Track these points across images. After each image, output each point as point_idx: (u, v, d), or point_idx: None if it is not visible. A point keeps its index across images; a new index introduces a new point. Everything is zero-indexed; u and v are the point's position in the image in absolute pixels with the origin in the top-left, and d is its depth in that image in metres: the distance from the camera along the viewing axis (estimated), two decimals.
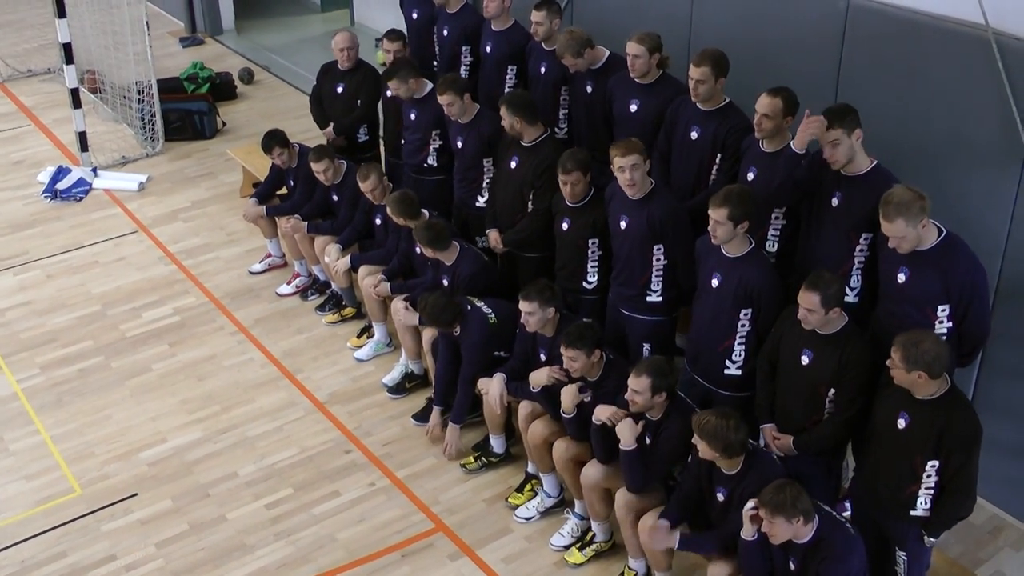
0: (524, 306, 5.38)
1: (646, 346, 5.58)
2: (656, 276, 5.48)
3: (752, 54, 6.07)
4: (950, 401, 4.27)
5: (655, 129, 5.95)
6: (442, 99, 6.45)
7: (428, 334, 6.24)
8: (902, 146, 5.41)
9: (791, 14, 5.98)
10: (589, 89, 6.37)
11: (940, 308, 4.55)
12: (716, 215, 4.83)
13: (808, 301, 4.53)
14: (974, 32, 5.10)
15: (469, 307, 5.84)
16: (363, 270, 6.88)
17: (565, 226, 5.83)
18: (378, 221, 6.91)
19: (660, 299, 5.52)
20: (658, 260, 5.46)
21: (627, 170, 5.25)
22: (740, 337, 5.02)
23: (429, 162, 6.97)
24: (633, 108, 6.06)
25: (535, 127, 6.11)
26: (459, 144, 6.60)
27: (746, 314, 4.95)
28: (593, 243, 5.75)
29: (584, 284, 5.87)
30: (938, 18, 5.27)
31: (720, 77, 5.49)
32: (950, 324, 4.57)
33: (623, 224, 5.44)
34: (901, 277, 4.58)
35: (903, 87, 5.47)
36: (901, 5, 5.45)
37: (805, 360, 4.68)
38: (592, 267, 5.81)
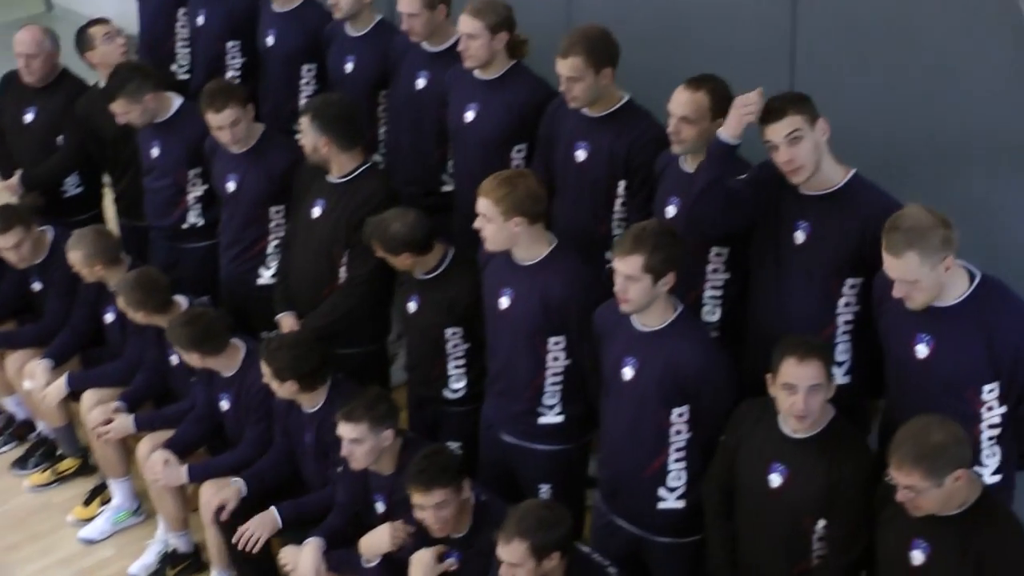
0: (346, 430, 5.44)
1: (543, 488, 5.60)
2: (553, 383, 5.51)
3: (660, 28, 6.18)
4: (987, 513, 4.35)
5: (500, 150, 6.02)
6: (218, 118, 6.43)
7: (209, 495, 6.06)
8: (892, 146, 5.52)
9: None
10: (421, 83, 6.42)
11: (987, 389, 4.58)
12: (624, 267, 4.90)
13: (809, 375, 4.59)
14: None
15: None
16: (89, 396, 6.77)
17: (412, 307, 5.91)
18: (110, 317, 6.85)
19: (561, 418, 5.56)
20: (556, 359, 5.48)
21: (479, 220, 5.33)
22: (676, 451, 5.06)
23: (190, 220, 6.99)
24: (469, 116, 6.12)
25: (351, 153, 6.12)
26: (231, 187, 6.59)
27: (681, 415, 5.01)
28: (454, 333, 5.82)
29: (446, 392, 5.92)
30: None
31: (603, 67, 5.56)
32: (1003, 409, 4.62)
33: (503, 303, 5.48)
34: (922, 349, 4.64)
35: (889, 64, 5.57)
36: None
37: (776, 480, 4.75)
38: (456, 367, 5.88)
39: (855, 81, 5.56)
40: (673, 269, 4.89)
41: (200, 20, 7.45)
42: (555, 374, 5.47)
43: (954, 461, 4.24)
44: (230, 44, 7.36)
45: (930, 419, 4.33)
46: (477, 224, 5.34)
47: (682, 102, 5.18)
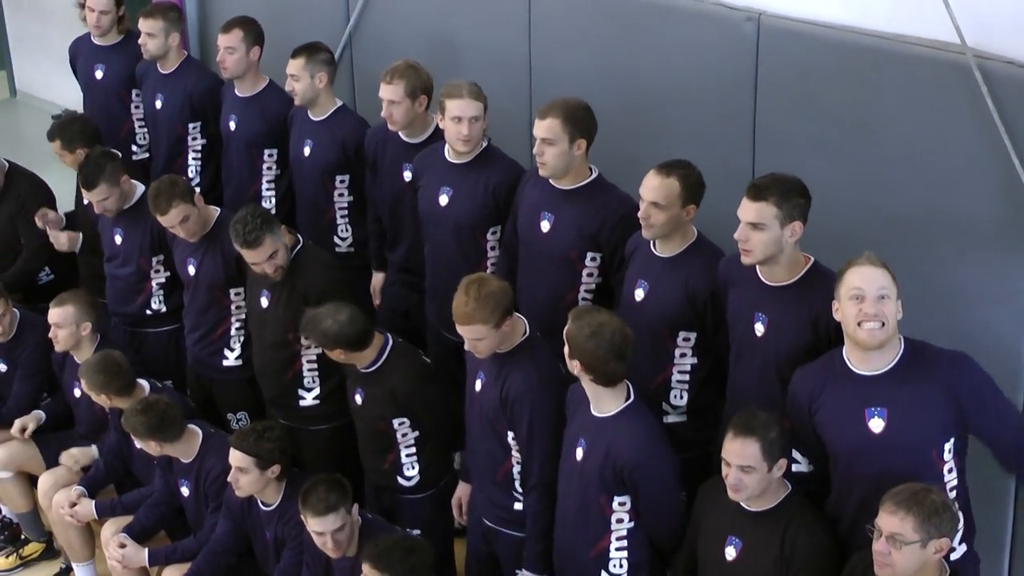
0: (312, 523, 5.38)
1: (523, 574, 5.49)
2: (519, 472, 5.39)
3: (621, 108, 6.16)
4: None
5: (474, 232, 5.98)
6: (167, 219, 6.36)
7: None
8: (856, 223, 5.48)
9: (673, 49, 6.11)
10: (408, 175, 6.36)
11: (945, 447, 4.53)
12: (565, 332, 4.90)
13: (742, 454, 4.52)
14: (947, 56, 5.19)
15: None
16: (45, 479, 6.74)
17: (358, 399, 5.89)
18: (77, 393, 6.75)
19: None
20: (519, 452, 5.38)
21: (466, 339, 5.23)
22: (617, 538, 5.03)
23: (153, 306, 6.97)
24: (443, 200, 6.07)
25: (275, 239, 6.01)
26: (191, 270, 6.51)
27: (622, 504, 4.99)
28: (400, 423, 5.76)
29: (400, 480, 5.88)
30: (891, 38, 5.37)
31: (578, 137, 5.52)
32: (958, 462, 4.60)
33: (477, 386, 5.43)
34: (877, 423, 4.57)
35: (851, 139, 5.55)
36: (830, 22, 5.55)
37: (731, 552, 4.71)
38: (408, 456, 5.83)
39: (816, 163, 5.50)
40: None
41: (158, 103, 7.46)
42: (519, 462, 5.36)
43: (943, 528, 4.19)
44: (191, 126, 7.41)
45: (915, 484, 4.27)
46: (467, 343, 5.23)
47: (652, 187, 5.11)
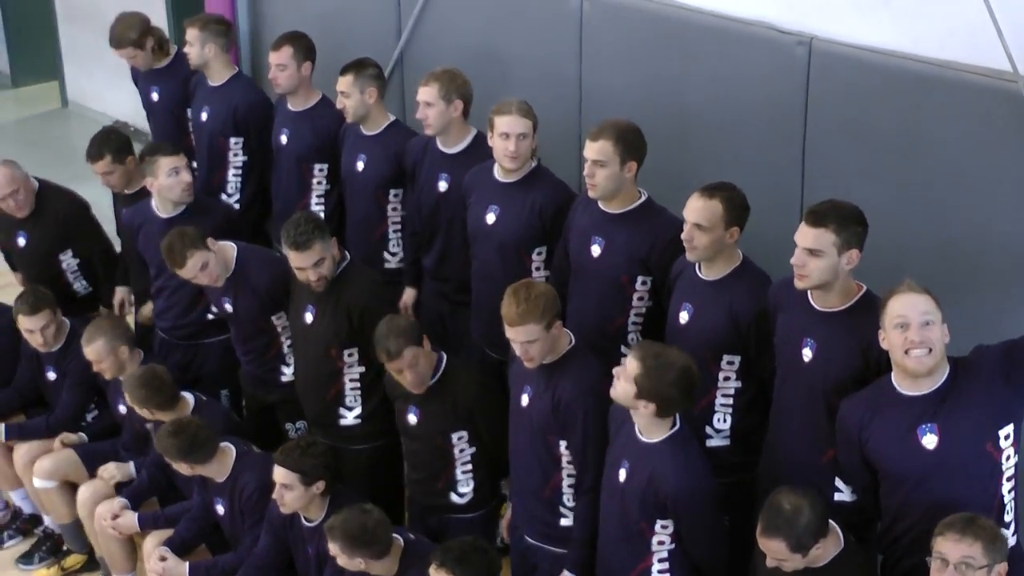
0: (330, 544, 5.37)
1: None
2: (570, 484, 5.39)
3: (670, 130, 6.14)
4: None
5: (520, 252, 5.99)
6: (187, 269, 6.31)
7: None
8: (906, 249, 5.46)
9: (724, 72, 6.09)
10: (443, 187, 6.32)
11: (1000, 434, 4.53)
12: (627, 368, 4.84)
13: (773, 550, 4.52)
14: (998, 83, 5.15)
15: None
16: (86, 491, 6.69)
17: (413, 419, 5.81)
18: (123, 409, 6.72)
19: None
20: (571, 463, 5.37)
21: (518, 344, 5.22)
22: (659, 560, 5.00)
23: (214, 311, 6.82)
24: (491, 219, 6.07)
25: (325, 246, 5.98)
26: (228, 308, 6.56)
27: (664, 527, 4.97)
28: (459, 438, 5.72)
29: (453, 497, 5.84)
30: (942, 65, 5.35)
31: (629, 159, 5.50)
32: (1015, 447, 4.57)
33: (524, 400, 5.40)
34: (930, 439, 4.54)
35: (901, 165, 5.53)
36: (881, 48, 5.52)
37: None
38: (464, 472, 5.79)
39: (865, 189, 5.46)
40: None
41: (204, 115, 7.48)
42: (573, 476, 5.35)
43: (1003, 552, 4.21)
44: (233, 140, 7.41)
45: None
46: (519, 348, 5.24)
47: (696, 209, 5.10)
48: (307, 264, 5.91)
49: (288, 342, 6.51)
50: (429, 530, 5.83)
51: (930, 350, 4.40)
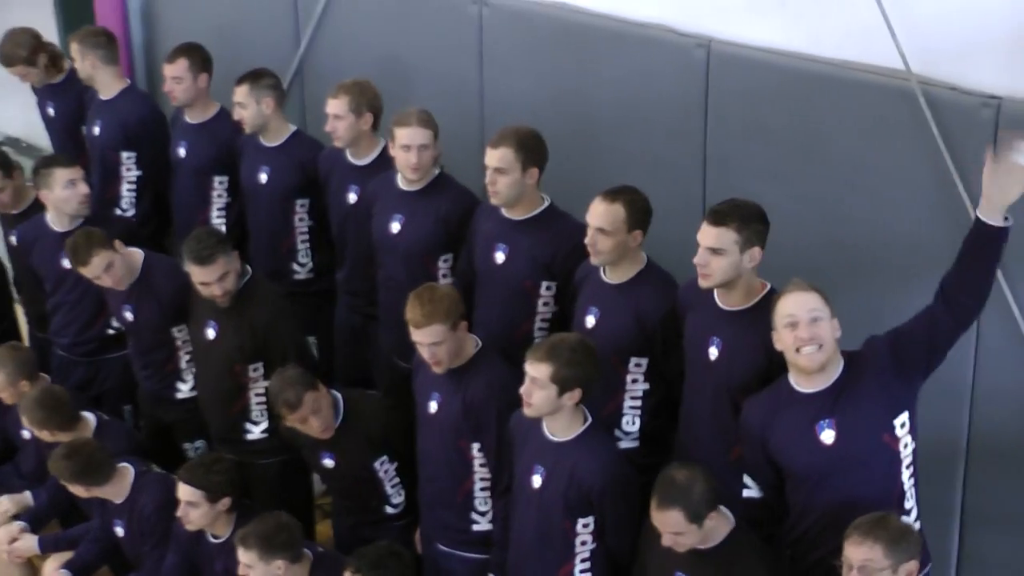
0: (240, 555, 5.32)
1: None
2: (482, 488, 5.39)
3: (572, 134, 6.17)
4: (741, 545, 4.53)
5: (426, 260, 5.96)
6: (89, 270, 6.23)
7: None
8: (806, 248, 5.51)
9: (624, 75, 6.12)
10: (353, 199, 6.32)
11: (896, 423, 4.56)
12: (533, 372, 4.85)
13: (667, 523, 4.52)
14: (893, 82, 5.22)
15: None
16: None
17: (329, 463, 5.82)
18: (25, 434, 6.62)
19: (492, 526, 5.45)
20: (484, 465, 5.39)
21: (425, 346, 5.21)
22: (581, 560, 5.00)
23: (115, 325, 6.76)
24: (395, 227, 6.06)
25: (228, 260, 5.92)
26: (128, 316, 6.45)
27: (586, 526, 4.96)
28: (381, 463, 5.74)
29: (388, 510, 5.89)
30: (839, 65, 5.40)
31: (531, 166, 5.50)
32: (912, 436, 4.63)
33: (432, 407, 5.39)
34: (828, 435, 4.56)
35: (800, 164, 5.58)
36: (779, 49, 5.57)
37: None
38: (393, 486, 5.83)
39: (765, 188, 5.48)
40: (580, 386, 4.82)
41: (96, 130, 7.38)
42: (485, 479, 5.36)
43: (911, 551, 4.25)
44: (125, 155, 7.28)
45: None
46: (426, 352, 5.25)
47: (598, 213, 5.10)
48: (211, 279, 5.84)
49: (187, 357, 6.44)
50: (362, 539, 5.73)
51: (820, 346, 4.45)
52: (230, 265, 5.88)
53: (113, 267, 6.20)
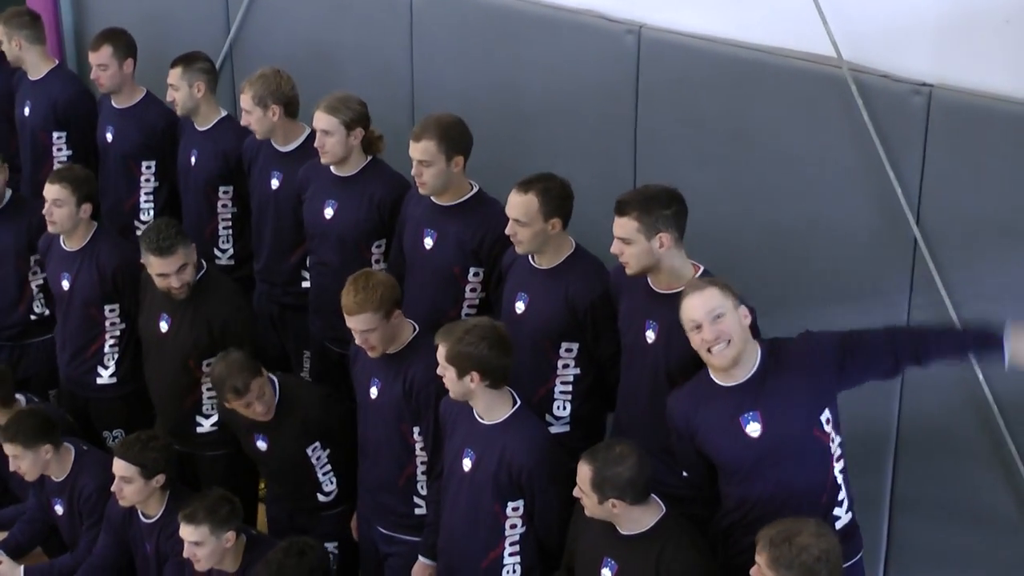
0: (187, 533, 5.32)
1: None
2: (424, 472, 5.43)
3: (504, 121, 6.20)
4: (670, 531, 4.52)
5: (359, 245, 5.96)
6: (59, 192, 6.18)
7: None
8: (737, 233, 5.54)
9: (554, 61, 6.12)
10: (275, 184, 6.27)
11: (822, 420, 4.58)
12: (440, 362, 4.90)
13: (578, 477, 4.58)
14: (824, 69, 5.25)
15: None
16: None
17: (263, 446, 5.77)
18: None
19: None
20: (424, 450, 5.39)
21: (358, 332, 5.23)
22: (511, 544, 5.02)
23: (36, 310, 6.78)
24: (328, 213, 6.02)
25: (188, 251, 5.84)
26: (65, 285, 6.35)
27: (515, 509, 4.99)
28: (313, 449, 5.72)
29: (320, 498, 5.84)
30: (769, 51, 5.42)
31: (455, 155, 5.49)
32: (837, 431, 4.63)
33: (373, 392, 5.39)
34: (754, 428, 4.55)
35: (731, 150, 5.60)
36: (709, 35, 5.59)
37: (607, 574, 4.68)
38: (325, 474, 5.79)
39: (696, 174, 5.54)
40: (476, 370, 4.80)
41: (26, 111, 7.33)
42: (424, 463, 5.35)
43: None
44: (56, 135, 7.26)
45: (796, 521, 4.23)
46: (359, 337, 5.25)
47: (513, 204, 5.10)
48: (170, 270, 5.77)
49: (111, 342, 6.37)
50: (297, 528, 5.77)
51: (729, 341, 4.45)
52: (189, 257, 5.81)
53: (63, 208, 6.14)
